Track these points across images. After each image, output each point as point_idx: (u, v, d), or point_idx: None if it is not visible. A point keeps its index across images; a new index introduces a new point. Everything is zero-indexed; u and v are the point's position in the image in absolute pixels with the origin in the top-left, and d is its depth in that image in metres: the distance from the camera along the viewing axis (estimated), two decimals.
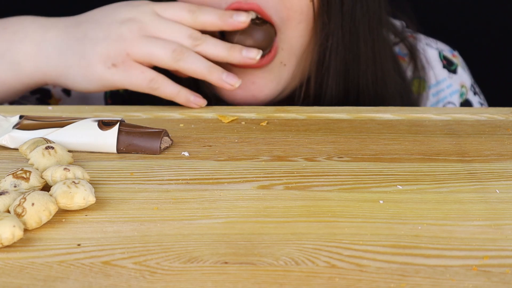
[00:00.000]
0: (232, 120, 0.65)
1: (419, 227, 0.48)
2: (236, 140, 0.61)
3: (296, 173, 0.55)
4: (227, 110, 0.67)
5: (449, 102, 0.83)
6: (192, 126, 0.64)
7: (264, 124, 0.64)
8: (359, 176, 0.54)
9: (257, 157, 0.58)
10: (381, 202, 0.51)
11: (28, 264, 0.44)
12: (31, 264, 0.44)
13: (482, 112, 0.66)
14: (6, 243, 0.45)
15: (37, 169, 0.54)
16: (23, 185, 0.51)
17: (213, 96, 0.79)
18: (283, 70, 0.73)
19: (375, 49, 0.75)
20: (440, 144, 0.60)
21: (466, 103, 0.85)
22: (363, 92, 0.75)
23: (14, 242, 0.46)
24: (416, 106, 0.82)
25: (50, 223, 0.48)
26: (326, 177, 0.54)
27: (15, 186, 0.51)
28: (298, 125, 0.64)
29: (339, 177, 0.54)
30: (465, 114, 0.66)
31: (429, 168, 0.56)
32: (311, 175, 0.55)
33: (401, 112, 0.67)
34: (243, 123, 0.65)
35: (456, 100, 0.84)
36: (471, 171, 0.55)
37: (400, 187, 0.53)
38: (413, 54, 0.82)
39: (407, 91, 0.80)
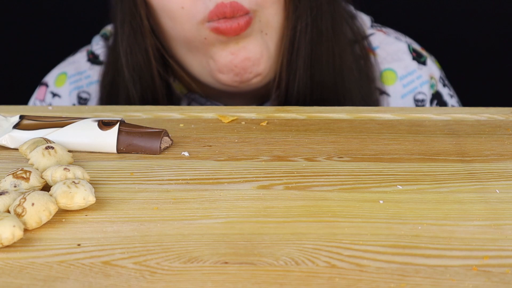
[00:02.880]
0: (232, 120, 0.65)
1: (419, 227, 0.48)
2: (236, 140, 0.61)
3: (296, 173, 0.55)
4: (227, 110, 0.67)
5: (419, 92, 0.86)
6: (192, 126, 0.64)
7: (264, 124, 0.64)
8: (359, 176, 0.54)
9: (257, 157, 0.58)
10: (381, 202, 0.51)
11: (28, 264, 0.44)
12: (31, 264, 0.44)
13: (482, 112, 0.66)
14: (6, 243, 0.45)
15: (37, 169, 0.54)
16: (23, 185, 0.51)
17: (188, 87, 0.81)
18: (266, 38, 0.76)
19: (334, 23, 0.79)
20: (440, 144, 0.60)
21: (437, 94, 0.87)
22: (326, 70, 0.79)
23: (14, 242, 0.46)
24: (381, 94, 0.85)
25: (50, 223, 0.48)
26: (326, 177, 0.54)
27: (15, 186, 0.51)
28: (298, 125, 0.64)
29: (339, 177, 0.54)
30: (465, 114, 0.66)
31: (429, 168, 0.56)
32: (311, 175, 0.55)
33: (401, 112, 0.67)
34: (243, 123, 0.65)
35: (427, 90, 0.86)
36: (471, 171, 0.55)
37: (400, 187, 0.53)
38: (365, 56, 0.84)
39: (361, 67, 0.83)
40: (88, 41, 0.94)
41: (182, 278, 0.43)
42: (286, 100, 0.79)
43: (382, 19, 0.90)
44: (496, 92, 1.29)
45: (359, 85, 0.82)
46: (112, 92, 0.83)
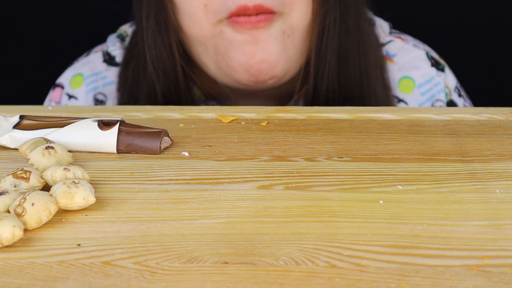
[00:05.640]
0: (232, 120, 0.65)
1: (419, 227, 0.48)
2: (236, 140, 0.61)
3: (296, 173, 0.55)
4: (227, 110, 0.67)
5: (437, 100, 0.85)
6: (192, 126, 0.64)
7: (264, 124, 0.64)
8: (359, 176, 0.54)
9: (257, 157, 0.58)
10: (381, 202, 0.51)
11: (28, 264, 0.44)
12: (31, 264, 0.44)
13: (482, 112, 0.66)
14: (6, 243, 0.45)
15: (37, 169, 0.54)
16: (23, 185, 0.51)
17: (207, 94, 0.81)
18: (287, 41, 0.76)
19: (359, 21, 0.80)
20: (440, 144, 0.60)
21: (451, 104, 0.87)
22: (352, 67, 0.79)
23: (14, 242, 0.46)
24: (399, 102, 0.84)
25: (50, 223, 0.48)
26: (326, 177, 0.54)
27: (15, 186, 0.51)
28: (298, 125, 0.64)
29: (339, 177, 0.54)
30: (465, 114, 0.66)
31: (429, 168, 0.56)
32: (311, 175, 0.55)
33: (401, 112, 0.67)
34: (243, 123, 0.65)
35: (443, 97, 0.85)
36: (471, 171, 0.55)
37: (400, 187, 0.53)
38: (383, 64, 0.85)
39: (383, 69, 0.84)
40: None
41: (182, 278, 0.43)
42: (314, 98, 0.79)
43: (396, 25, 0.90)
44: (496, 92, 1.29)
45: (381, 87, 0.82)
46: (133, 92, 0.83)
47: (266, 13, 0.73)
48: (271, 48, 0.75)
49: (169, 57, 0.78)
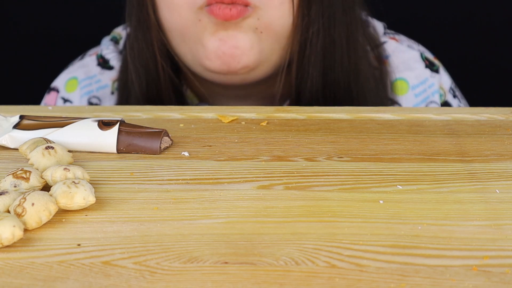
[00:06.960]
0: (232, 120, 0.65)
1: (419, 227, 0.48)
2: (236, 140, 0.61)
3: (296, 173, 0.55)
4: (227, 110, 0.67)
5: (431, 101, 0.85)
6: (192, 126, 0.64)
7: (264, 124, 0.64)
8: (359, 176, 0.54)
9: (257, 157, 0.58)
10: (381, 202, 0.51)
11: (28, 264, 0.44)
12: (31, 264, 0.44)
13: (482, 112, 0.66)
14: (6, 243, 0.45)
15: (37, 169, 0.54)
16: (23, 185, 0.51)
17: (199, 96, 0.81)
18: (260, 36, 0.75)
19: (349, 32, 0.79)
20: (440, 144, 0.60)
21: (445, 105, 0.86)
22: (338, 77, 0.78)
23: (14, 242, 0.46)
24: (392, 104, 0.84)
25: (50, 223, 0.48)
26: (326, 177, 0.54)
27: (15, 186, 0.51)
28: (298, 125, 0.64)
29: (339, 177, 0.54)
30: (465, 114, 0.66)
31: (429, 168, 0.56)
32: (311, 175, 0.55)
33: (401, 112, 0.67)
34: (243, 123, 0.65)
35: (437, 99, 0.85)
36: (471, 171, 0.55)
37: (400, 187, 0.53)
38: (380, 62, 0.84)
39: (377, 77, 0.83)
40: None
41: (182, 278, 0.43)
42: (298, 104, 0.78)
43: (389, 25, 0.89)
44: (496, 92, 1.29)
45: (375, 94, 0.82)
46: (124, 94, 0.83)
47: (240, 4, 0.72)
48: (241, 38, 0.75)
49: (150, 55, 0.78)
